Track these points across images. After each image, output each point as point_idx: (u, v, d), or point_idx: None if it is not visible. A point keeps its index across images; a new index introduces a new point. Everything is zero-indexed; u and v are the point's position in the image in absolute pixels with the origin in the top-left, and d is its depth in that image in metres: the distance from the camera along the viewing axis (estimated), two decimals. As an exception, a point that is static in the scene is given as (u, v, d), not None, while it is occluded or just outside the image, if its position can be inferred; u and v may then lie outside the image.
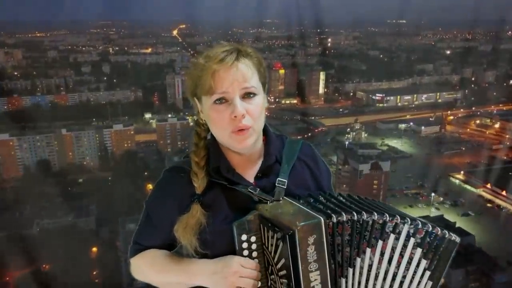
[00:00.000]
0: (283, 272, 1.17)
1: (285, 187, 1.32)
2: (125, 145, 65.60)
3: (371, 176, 51.02)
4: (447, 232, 1.18)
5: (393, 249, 1.17)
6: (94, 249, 38.46)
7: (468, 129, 76.70)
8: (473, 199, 52.41)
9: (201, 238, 1.28)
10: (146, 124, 79.97)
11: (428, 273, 1.16)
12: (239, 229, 1.22)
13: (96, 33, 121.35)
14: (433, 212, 46.60)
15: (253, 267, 1.23)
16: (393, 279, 1.18)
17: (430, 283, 1.17)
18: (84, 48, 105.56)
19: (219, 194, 1.32)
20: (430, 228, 1.16)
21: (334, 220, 1.17)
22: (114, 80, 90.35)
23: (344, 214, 1.17)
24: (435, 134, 75.27)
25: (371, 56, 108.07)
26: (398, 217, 1.17)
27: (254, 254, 1.24)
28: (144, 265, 1.44)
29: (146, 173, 54.72)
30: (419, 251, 1.16)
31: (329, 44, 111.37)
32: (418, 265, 1.16)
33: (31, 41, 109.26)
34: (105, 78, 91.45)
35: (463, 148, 68.54)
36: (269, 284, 1.25)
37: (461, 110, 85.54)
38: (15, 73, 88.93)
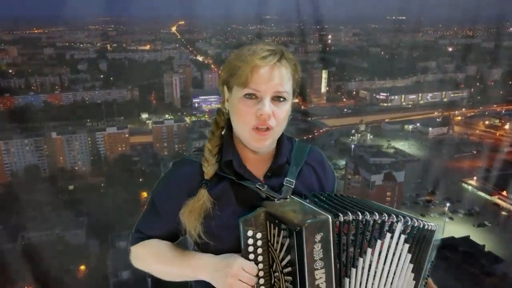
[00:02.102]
0: (288, 269, 1.17)
1: (292, 186, 1.36)
2: (119, 148, 62.83)
3: (384, 187, 47.57)
4: (426, 223, 1.26)
5: (388, 248, 1.21)
6: (82, 267, 35.61)
7: (477, 130, 73.87)
8: (488, 207, 49.57)
9: (207, 228, 1.30)
10: (143, 124, 77.17)
11: (411, 265, 1.24)
12: (245, 225, 1.23)
13: (95, 29, 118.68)
14: (447, 223, 43.63)
15: (253, 273, 1.23)
16: (387, 276, 1.23)
17: (413, 275, 1.25)
18: (81, 45, 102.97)
19: (227, 189, 1.35)
20: (416, 223, 1.24)
21: (341, 219, 1.18)
22: (111, 78, 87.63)
23: (350, 214, 1.19)
24: (443, 135, 72.29)
25: (372, 53, 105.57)
26: (394, 216, 1.22)
27: (259, 250, 1.24)
28: (147, 254, 1.44)
29: (140, 179, 51.97)
30: (406, 246, 1.22)
31: (329, 41, 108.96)
32: (404, 260, 1.23)
33: (28, 37, 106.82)
34: (101, 76, 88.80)
35: (474, 152, 65.63)
36: (272, 281, 1.25)
37: (469, 109, 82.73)
38: (10, 71, 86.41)
